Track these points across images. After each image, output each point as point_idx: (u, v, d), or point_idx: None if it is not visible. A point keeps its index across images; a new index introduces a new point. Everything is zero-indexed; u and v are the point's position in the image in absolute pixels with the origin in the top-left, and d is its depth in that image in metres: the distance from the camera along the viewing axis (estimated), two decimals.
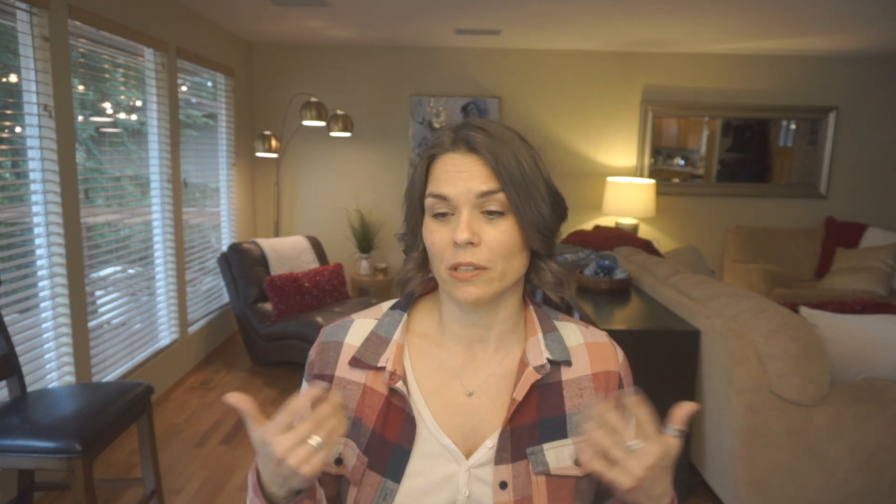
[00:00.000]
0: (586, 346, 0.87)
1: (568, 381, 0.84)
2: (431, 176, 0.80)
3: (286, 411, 0.69)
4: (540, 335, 0.85)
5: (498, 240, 0.76)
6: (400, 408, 0.81)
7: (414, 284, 0.87)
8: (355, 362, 0.84)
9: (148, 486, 2.34)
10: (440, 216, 0.78)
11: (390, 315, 0.88)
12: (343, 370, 0.84)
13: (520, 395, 0.80)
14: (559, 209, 0.82)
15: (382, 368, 0.83)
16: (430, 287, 0.90)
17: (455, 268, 0.76)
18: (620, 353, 0.89)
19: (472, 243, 0.75)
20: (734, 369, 2.18)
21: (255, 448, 0.72)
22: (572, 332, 0.88)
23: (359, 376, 0.83)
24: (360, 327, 0.87)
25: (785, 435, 2.17)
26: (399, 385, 0.80)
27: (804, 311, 2.40)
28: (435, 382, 0.83)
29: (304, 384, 0.88)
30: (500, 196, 0.76)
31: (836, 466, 2.19)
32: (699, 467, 2.53)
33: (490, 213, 0.77)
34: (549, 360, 0.82)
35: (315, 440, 0.68)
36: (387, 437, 0.80)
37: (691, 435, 2.48)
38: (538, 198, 0.78)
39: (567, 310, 3.11)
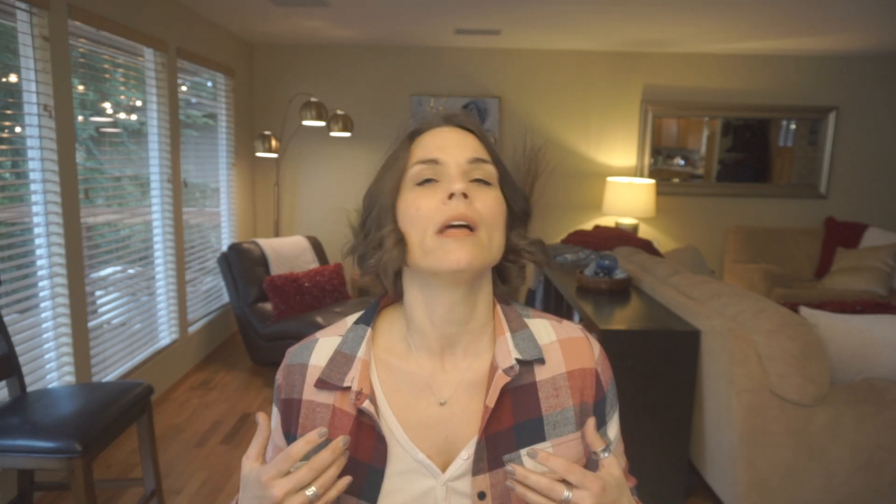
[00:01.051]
0: (559, 343, 0.83)
1: (542, 382, 0.81)
2: (416, 149, 0.81)
3: (285, 457, 0.69)
4: (508, 335, 0.82)
5: (488, 205, 0.77)
6: (370, 427, 0.78)
7: (395, 264, 0.78)
8: (321, 384, 0.81)
9: (148, 486, 2.34)
10: (426, 183, 0.78)
11: (354, 331, 0.84)
12: (310, 393, 0.81)
13: (492, 401, 0.77)
14: (528, 209, 0.85)
15: (349, 388, 0.80)
16: (394, 298, 0.87)
17: (446, 226, 0.74)
18: (597, 347, 0.86)
19: (465, 195, 0.74)
20: (734, 369, 2.18)
21: (246, 483, 0.72)
22: (544, 329, 0.85)
23: (327, 398, 0.81)
24: (324, 346, 0.84)
25: (785, 435, 2.17)
26: (366, 405, 0.77)
27: (804, 311, 2.40)
28: (405, 396, 0.80)
29: (274, 409, 0.86)
30: (490, 168, 0.79)
31: (835, 466, 2.19)
32: (699, 467, 2.53)
33: (478, 181, 0.78)
34: (518, 360, 0.80)
35: (311, 490, 0.68)
36: (360, 459, 0.78)
37: (691, 435, 2.48)
38: (516, 188, 0.83)
39: (562, 303, 3.10)
